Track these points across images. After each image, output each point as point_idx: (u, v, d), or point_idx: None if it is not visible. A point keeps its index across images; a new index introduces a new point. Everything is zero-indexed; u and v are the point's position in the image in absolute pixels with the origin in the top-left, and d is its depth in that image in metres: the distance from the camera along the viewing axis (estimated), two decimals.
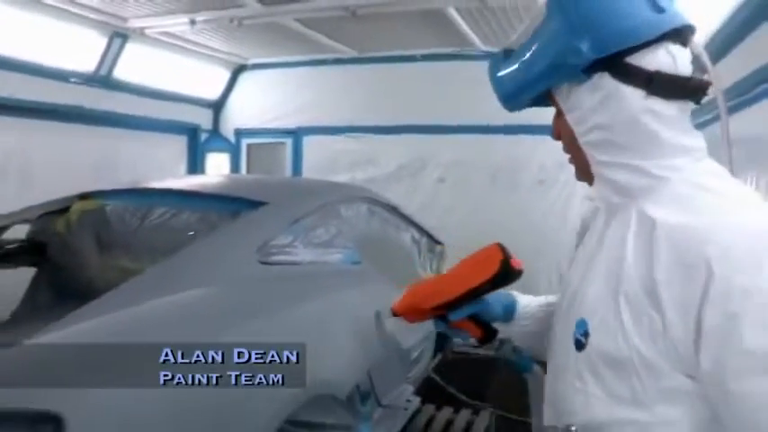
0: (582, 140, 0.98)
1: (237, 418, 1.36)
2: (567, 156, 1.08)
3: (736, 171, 1.08)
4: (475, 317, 1.21)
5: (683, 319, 0.83)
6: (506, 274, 1.15)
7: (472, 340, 1.25)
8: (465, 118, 5.63)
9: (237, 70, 6.47)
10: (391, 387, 2.48)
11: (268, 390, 1.24)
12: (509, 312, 1.27)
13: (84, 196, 2.59)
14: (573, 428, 0.95)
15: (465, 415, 3.22)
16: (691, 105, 0.96)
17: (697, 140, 0.96)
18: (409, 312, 1.22)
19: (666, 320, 0.84)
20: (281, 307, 1.76)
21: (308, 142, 6.42)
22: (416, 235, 3.55)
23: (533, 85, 1.01)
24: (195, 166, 6.25)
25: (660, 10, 0.93)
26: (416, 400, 2.65)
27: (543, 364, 1.28)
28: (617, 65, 0.92)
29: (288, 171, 6.45)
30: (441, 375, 3.96)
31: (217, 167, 6.44)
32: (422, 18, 4.70)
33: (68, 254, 2.42)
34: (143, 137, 5.55)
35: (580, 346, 0.96)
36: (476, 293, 1.17)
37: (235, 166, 6.58)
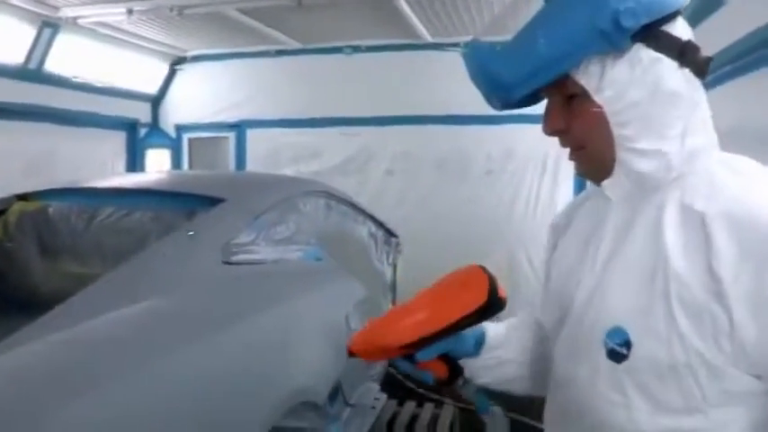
0: (616, 120, 0.90)
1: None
2: (568, 149, 1.00)
3: None
4: (445, 354, 1.04)
5: (755, 317, 0.78)
6: (494, 306, 0.97)
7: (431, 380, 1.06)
8: (411, 109, 5.61)
9: (176, 62, 6.25)
10: (357, 385, 2.43)
11: (254, 400, 1.16)
12: (479, 344, 1.13)
13: (23, 197, 2.41)
14: None
15: (429, 409, 3.20)
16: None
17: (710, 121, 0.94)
18: (371, 351, 1.05)
19: (734, 319, 0.79)
20: (253, 311, 1.67)
21: (252, 136, 6.26)
22: (373, 228, 3.50)
23: (563, 59, 0.89)
24: (135, 162, 6.00)
25: None
26: (383, 398, 2.61)
27: (510, 400, 1.22)
28: (654, 34, 0.87)
29: (231, 165, 6.29)
30: (396, 369, 3.95)
31: (158, 164, 6.20)
32: (369, 8, 4.63)
33: (8, 260, 2.25)
34: (78, 133, 5.26)
35: (618, 356, 0.89)
36: (455, 328, 0.99)
37: (176, 162, 6.36)
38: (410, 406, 3.23)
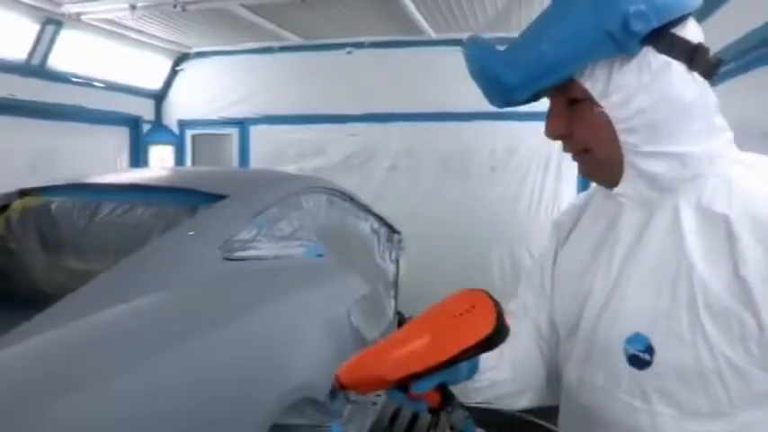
0: (623, 126, 0.87)
1: (225, 428, 1.28)
2: (571, 153, 0.98)
3: None
4: (441, 384, 0.92)
5: None
6: (500, 335, 0.87)
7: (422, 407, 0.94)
8: (414, 105, 5.59)
9: (180, 59, 6.25)
10: None
11: (255, 396, 1.16)
12: (472, 368, 1.01)
13: (25, 192, 2.42)
14: None
15: None
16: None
17: (723, 119, 0.90)
18: (362, 384, 0.91)
19: (763, 322, 0.78)
20: (254, 307, 1.67)
21: (255, 132, 6.27)
22: (375, 225, 3.50)
23: (569, 62, 0.86)
24: (138, 158, 6.00)
25: None
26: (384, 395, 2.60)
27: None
28: (664, 37, 0.83)
29: (234, 162, 6.29)
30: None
31: (160, 160, 6.21)
32: (372, 4, 4.61)
33: (10, 255, 2.25)
34: (82, 129, 5.26)
35: (641, 363, 0.87)
36: (456, 360, 0.88)
37: (179, 159, 6.36)
38: None
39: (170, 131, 6.37)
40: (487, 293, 0.90)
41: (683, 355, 0.83)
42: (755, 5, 2.34)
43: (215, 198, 2.11)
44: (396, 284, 3.79)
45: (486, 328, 0.86)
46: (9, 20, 4.34)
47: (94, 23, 4.84)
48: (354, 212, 3.22)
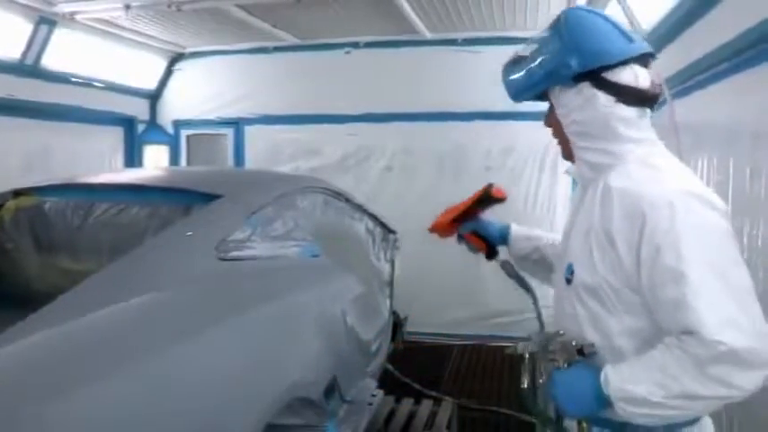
0: (566, 130, 1.39)
1: (219, 428, 1.28)
2: (556, 140, 1.48)
3: (685, 155, 1.49)
4: (478, 234, 1.78)
5: (629, 253, 1.23)
6: (487, 197, 1.74)
7: (482, 254, 1.81)
8: (410, 105, 5.59)
9: (175, 59, 6.23)
10: (354, 382, 2.42)
11: (248, 396, 1.15)
12: (504, 235, 1.80)
13: (18, 192, 2.40)
14: (561, 332, 1.37)
15: (427, 406, 3.20)
16: (647, 110, 1.35)
17: (648, 134, 1.36)
18: (437, 228, 1.83)
19: (619, 255, 1.24)
20: (248, 307, 1.66)
21: (250, 132, 6.25)
22: (371, 225, 3.49)
23: (535, 86, 1.41)
24: (132, 159, 5.98)
25: (631, 40, 1.34)
26: (380, 395, 2.60)
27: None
28: (596, 77, 1.31)
29: (229, 162, 6.27)
30: (393, 365, 3.95)
31: (155, 160, 6.19)
32: (367, 4, 4.61)
33: (3, 255, 2.24)
34: (76, 129, 5.23)
35: (568, 281, 1.38)
36: (472, 212, 1.77)
37: (174, 159, 6.34)
38: (407, 403, 3.22)
39: (165, 131, 6.35)
40: (490, 185, 1.75)
41: (584, 276, 1.33)
42: (748, 7, 2.35)
43: (210, 198, 2.10)
44: (391, 284, 3.78)
45: (477, 195, 1.75)
46: (2, 19, 4.31)
47: (89, 23, 4.82)
48: (349, 212, 3.22)
